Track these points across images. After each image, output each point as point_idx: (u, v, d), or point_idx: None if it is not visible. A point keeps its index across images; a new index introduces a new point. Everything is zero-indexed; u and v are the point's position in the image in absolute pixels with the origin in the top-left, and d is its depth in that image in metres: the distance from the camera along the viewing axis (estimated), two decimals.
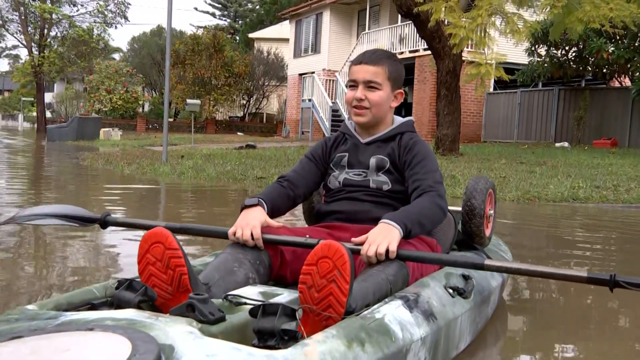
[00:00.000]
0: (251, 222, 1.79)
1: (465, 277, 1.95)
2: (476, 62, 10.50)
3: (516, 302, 2.80)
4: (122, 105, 29.96)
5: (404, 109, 19.57)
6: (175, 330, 1.14)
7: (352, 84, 2.03)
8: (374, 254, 1.64)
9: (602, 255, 4.06)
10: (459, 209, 2.49)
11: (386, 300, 1.57)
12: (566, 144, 14.68)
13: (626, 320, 2.62)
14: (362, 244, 1.69)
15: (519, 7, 10.82)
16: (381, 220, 1.74)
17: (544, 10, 10.28)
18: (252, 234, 1.76)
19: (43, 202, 5.81)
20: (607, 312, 2.71)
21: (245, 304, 1.43)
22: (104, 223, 2.03)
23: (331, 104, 19.61)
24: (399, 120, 2.13)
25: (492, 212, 2.56)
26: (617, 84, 15.89)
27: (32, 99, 39.30)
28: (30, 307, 1.37)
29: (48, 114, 35.15)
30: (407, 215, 1.76)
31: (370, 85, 1.99)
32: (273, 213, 1.94)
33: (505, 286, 2.59)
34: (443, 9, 10.09)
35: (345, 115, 18.43)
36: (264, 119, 32.30)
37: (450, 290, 1.82)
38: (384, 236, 1.68)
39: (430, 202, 1.85)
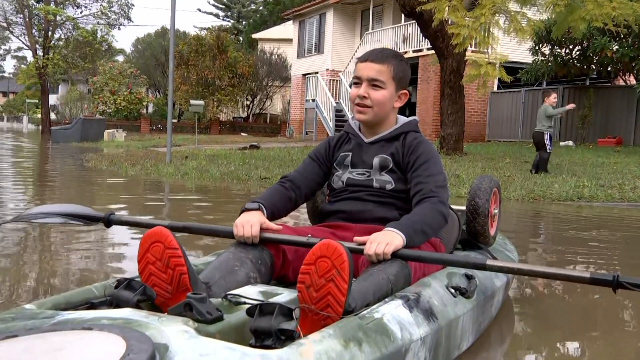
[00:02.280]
0: (251, 221, 1.80)
1: (468, 277, 1.93)
2: (477, 62, 10.45)
3: (522, 301, 2.78)
4: (126, 106, 30.03)
5: (408, 108, 19.55)
6: (170, 330, 1.13)
7: (357, 81, 2.01)
8: (374, 253, 1.65)
9: (606, 254, 4.03)
10: (463, 208, 2.47)
11: (386, 300, 1.55)
12: (571, 143, 14.62)
13: (633, 319, 2.59)
14: (364, 243, 1.69)
15: (522, 5, 10.78)
16: (386, 228, 1.75)
17: (547, 8, 10.24)
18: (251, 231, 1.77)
19: (47, 203, 5.81)
20: (614, 311, 2.68)
21: (245, 303, 1.42)
22: (108, 222, 2.04)
23: (335, 104, 19.60)
24: (402, 119, 2.11)
25: (496, 211, 2.54)
26: (621, 83, 15.82)
27: (37, 101, 39.44)
28: (28, 306, 1.36)
29: (52, 116, 35.27)
30: (411, 225, 1.77)
31: (374, 84, 1.98)
32: (273, 217, 1.95)
33: (510, 286, 2.56)
34: (446, 8, 10.06)
35: (349, 115, 18.42)
36: (268, 120, 32.34)
37: (452, 290, 1.80)
38: (384, 236, 1.69)
39: (431, 210, 1.85)
